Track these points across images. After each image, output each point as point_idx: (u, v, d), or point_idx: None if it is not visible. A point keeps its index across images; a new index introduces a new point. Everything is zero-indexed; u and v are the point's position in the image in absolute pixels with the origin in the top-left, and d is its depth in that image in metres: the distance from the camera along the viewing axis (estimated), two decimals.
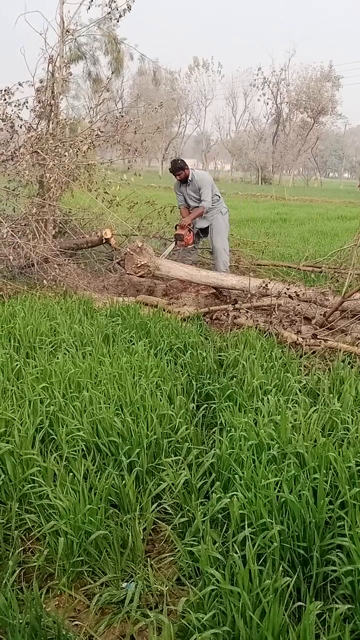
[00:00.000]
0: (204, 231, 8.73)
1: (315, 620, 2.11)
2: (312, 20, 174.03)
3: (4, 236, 6.95)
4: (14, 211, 8.33)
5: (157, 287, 7.95)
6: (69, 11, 9.28)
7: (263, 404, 3.80)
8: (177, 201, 8.86)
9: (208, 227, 8.55)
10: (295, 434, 3.37)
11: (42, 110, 8.73)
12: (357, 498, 2.72)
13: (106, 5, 9.18)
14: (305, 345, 5.31)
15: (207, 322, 6.39)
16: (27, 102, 8.40)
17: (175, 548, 2.68)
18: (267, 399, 3.88)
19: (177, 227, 8.31)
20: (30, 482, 2.99)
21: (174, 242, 8.49)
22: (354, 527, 2.47)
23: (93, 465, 3.14)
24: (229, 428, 3.47)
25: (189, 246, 8.46)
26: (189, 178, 8.28)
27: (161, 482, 3.09)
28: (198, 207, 8.24)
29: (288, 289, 6.63)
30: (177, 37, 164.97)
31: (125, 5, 9.24)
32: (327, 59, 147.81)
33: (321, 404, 3.94)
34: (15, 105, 8.20)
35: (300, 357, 5.08)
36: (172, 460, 3.24)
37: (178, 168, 8.28)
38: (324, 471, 2.88)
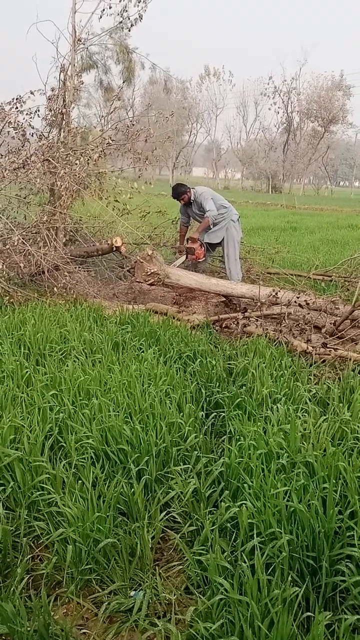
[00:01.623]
0: (215, 246, 8.77)
1: (324, 631, 2.09)
2: (323, 29, 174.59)
3: (15, 244, 6.97)
4: (25, 219, 8.37)
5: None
6: (81, 20, 9.37)
7: (272, 413, 3.79)
8: (180, 221, 9.01)
9: (221, 238, 8.57)
10: (304, 443, 3.36)
11: (54, 118, 8.76)
12: None
13: (118, 14, 9.24)
14: (315, 354, 5.30)
15: (216, 330, 6.39)
16: (38, 111, 8.44)
17: (184, 557, 2.67)
18: (277, 407, 3.87)
19: (189, 240, 8.34)
20: (39, 489, 2.99)
21: (184, 255, 8.51)
22: None
23: (102, 473, 3.13)
24: (238, 437, 3.47)
25: (200, 260, 8.49)
26: (192, 199, 8.36)
27: (170, 490, 3.09)
28: (204, 219, 8.26)
29: (298, 298, 6.62)
30: (189, 47, 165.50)
31: (137, 14, 9.29)
32: (338, 68, 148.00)
33: (331, 413, 3.93)
34: (27, 114, 8.23)
35: (310, 366, 5.07)
36: (181, 469, 3.24)
37: (180, 193, 8.46)
38: (334, 481, 2.87)
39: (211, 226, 8.29)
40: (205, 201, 8.23)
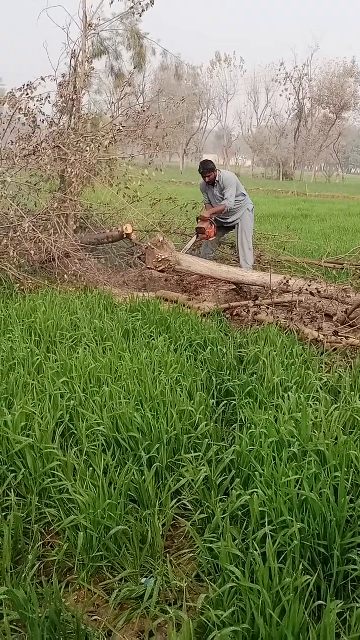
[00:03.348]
0: (229, 228, 8.73)
1: (335, 620, 2.09)
2: (327, 21, 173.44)
3: (26, 231, 6.97)
4: (36, 206, 8.36)
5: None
6: (92, 6, 9.32)
7: (284, 401, 3.78)
8: (204, 201, 8.87)
9: (235, 223, 8.51)
10: (316, 431, 3.35)
11: (64, 105, 8.74)
12: None
13: (129, 0, 9.19)
14: (327, 342, 5.28)
15: (227, 318, 6.37)
16: (49, 97, 8.42)
17: (195, 544, 2.67)
18: (288, 396, 3.86)
19: (199, 219, 8.28)
20: (50, 476, 3.00)
21: (195, 236, 8.46)
22: None
23: (113, 460, 3.14)
24: (249, 425, 3.46)
25: (211, 239, 8.41)
26: (217, 179, 8.24)
27: (181, 478, 3.08)
28: (220, 204, 8.19)
29: (309, 286, 6.58)
30: (192, 38, 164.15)
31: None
32: (351, 54, 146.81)
33: (342, 402, 3.91)
34: (37, 100, 8.21)
35: (322, 354, 5.05)
36: (192, 457, 3.23)
37: (209, 170, 8.19)
38: (345, 469, 2.86)
39: (222, 215, 8.25)
40: (228, 189, 8.12)
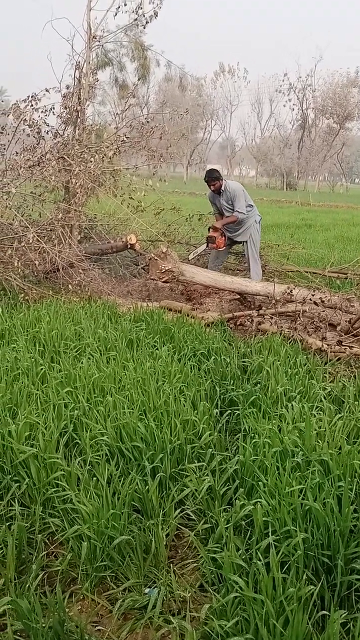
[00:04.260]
0: (234, 242, 8.76)
1: (339, 630, 2.08)
2: (326, 22, 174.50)
3: (30, 241, 6.99)
4: (40, 216, 8.39)
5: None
6: (96, 18, 9.37)
7: (287, 411, 3.77)
8: (213, 211, 8.92)
9: (245, 238, 8.55)
10: (319, 441, 3.34)
11: (69, 116, 8.79)
12: None
13: (133, 12, 9.25)
14: (330, 351, 5.28)
15: (231, 328, 6.37)
16: (53, 108, 8.48)
17: (198, 554, 2.67)
18: (292, 405, 3.86)
19: (210, 229, 8.33)
20: (54, 486, 3.00)
21: (205, 244, 8.50)
22: None
23: (116, 470, 3.14)
24: (252, 434, 3.45)
25: (220, 249, 8.46)
26: (222, 188, 8.27)
27: (184, 487, 3.08)
28: (232, 215, 8.25)
29: (313, 295, 6.59)
30: (192, 39, 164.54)
31: (152, 12, 9.31)
32: (351, 55, 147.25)
33: (346, 411, 3.90)
34: (42, 111, 8.27)
35: (325, 363, 5.05)
36: (195, 466, 3.23)
37: (214, 178, 8.25)
38: (349, 479, 2.85)
39: (241, 226, 8.30)
40: (237, 199, 8.18)
